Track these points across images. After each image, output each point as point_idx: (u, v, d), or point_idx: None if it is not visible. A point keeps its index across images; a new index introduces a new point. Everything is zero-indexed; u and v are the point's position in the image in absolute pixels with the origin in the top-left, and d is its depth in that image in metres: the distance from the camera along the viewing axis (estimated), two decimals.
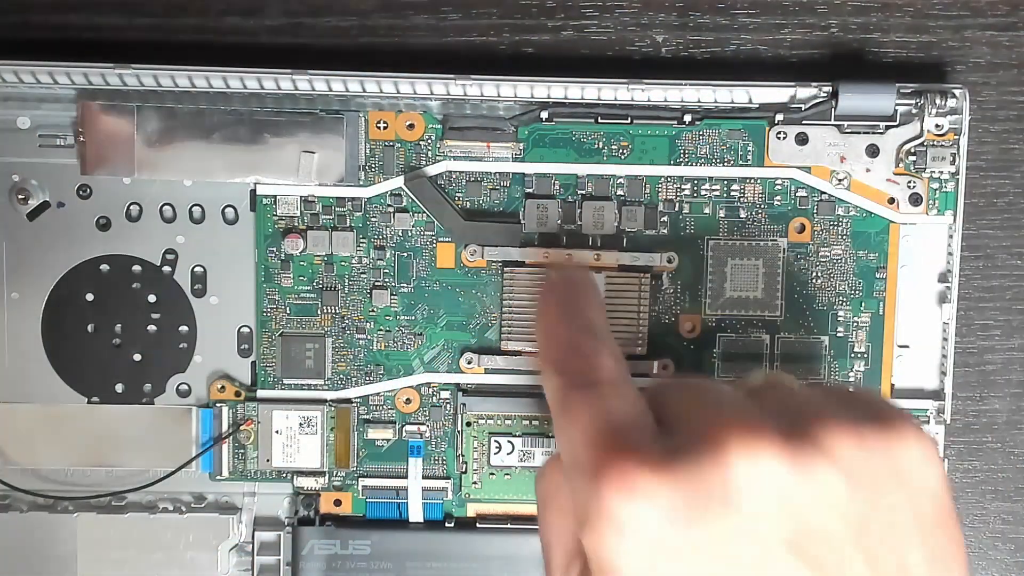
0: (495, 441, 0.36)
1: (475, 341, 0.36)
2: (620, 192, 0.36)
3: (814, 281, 0.36)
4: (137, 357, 0.36)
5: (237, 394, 0.37)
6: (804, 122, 0.35)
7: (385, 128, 0.36)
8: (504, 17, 0.37)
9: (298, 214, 0.36)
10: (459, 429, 0.36)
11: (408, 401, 0.37)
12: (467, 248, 0.36)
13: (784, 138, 0.36)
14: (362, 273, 0.36)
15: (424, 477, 0.36)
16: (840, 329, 0.36)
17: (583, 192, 0.36)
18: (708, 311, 0.36)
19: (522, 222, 0.36)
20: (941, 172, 0.36)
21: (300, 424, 0.36)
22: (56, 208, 0.36)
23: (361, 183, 0.36)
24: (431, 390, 0.37)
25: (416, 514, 0.36)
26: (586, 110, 0.35)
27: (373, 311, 0.36)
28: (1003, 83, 0.37)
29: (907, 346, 0.36)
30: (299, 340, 0.36)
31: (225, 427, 0.36)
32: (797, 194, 0.36)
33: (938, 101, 0.35)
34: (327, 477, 0.37)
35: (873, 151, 0.36)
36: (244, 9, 0.37)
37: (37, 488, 0.36)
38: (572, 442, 0.25)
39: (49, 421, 0.36)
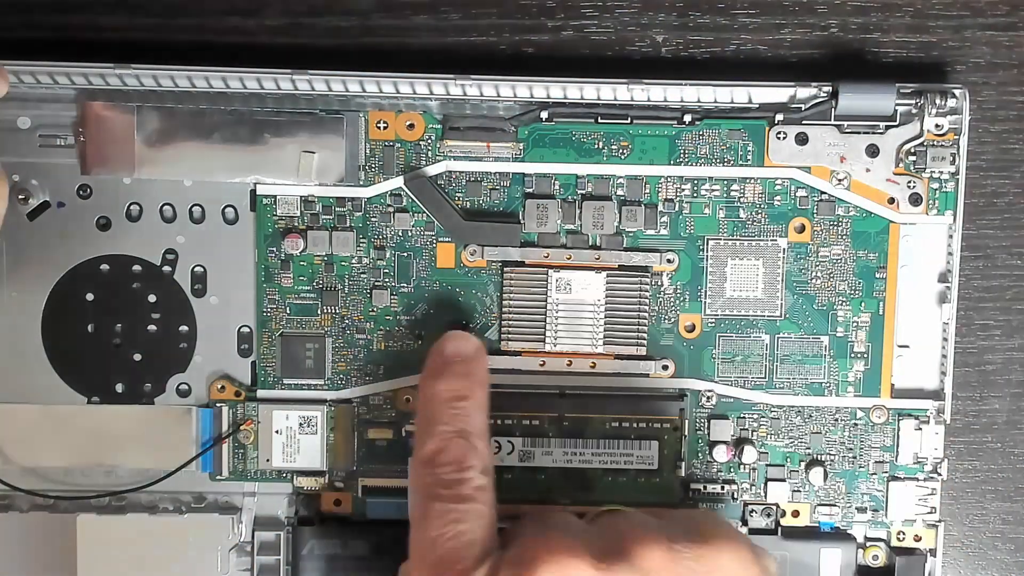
0: (495, 441, 0.36)
1: None
2: (620, 192, 0.36)
3: (814, 281, 0.36)
4: (137, 357, 0.36)
5: (237, 394, 0.37)
6: (804, 122, 0.35)
7: (385, 128, 0.36)
8: (504, 17, 0.37)
9: (298, 214, 0.36)
10: None
11: (408, 401, 0.37)
12: (467, 248, 0.36)
13: (784, 138, 0.36)
14: (362, 273, 0.36)
15: None
16: (840, 329, 0.36)
17: (583, 192, 0.36)
18: (708, 311, 0.36)
19: (522, 222, 0.36)
20: (941, 172, 0.36)
21: (300, 424, 0.36)
22: (56, 208, 0.36)
23: (361, 183, 0.36)
24: None
25: None
26: (586, 110, 0.35)
27: (373, 311, 0.36)
28: (1003, 83, 0.37)
29: (907, 346, 0.36)
30: (299, 340, 0.36)
31: (225, 427, 0.36)
32: (797, 194, 0.36)
33: (938, 101, 0.35)
34: (327, 477, 0.37)
35: (873, 151, 0.36)
36: (244, 9, 0.37)
37: (37, 488, 0.36)
38: (419, 552, 0.29)
39: (49, 421, 0.36)
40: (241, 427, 0.36)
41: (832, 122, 0.35)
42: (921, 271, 0.36)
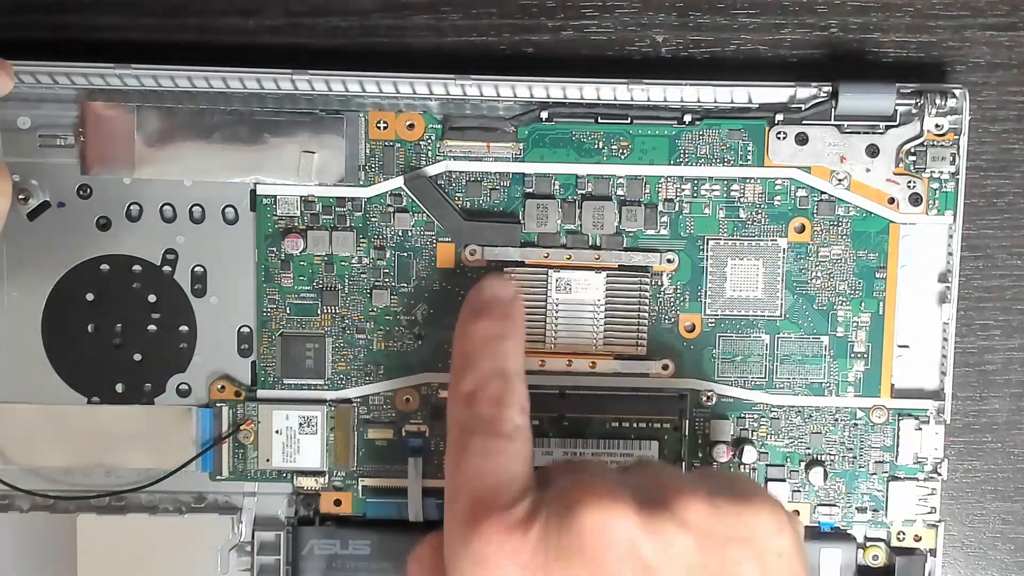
0: None
1: None
2: (620, 192, 0.36)
3: (814, 281, 0.36)
4: (137, 357, 0.36)
5: (237, 394, 0.37)
6: (804, 122, 0.35)
7: (385, 128, 0.36)
8: (504, 17, 0.37)
9: (298, 214, 0.36)
10: None
11: (408, 401, 0.37)
12: (467, 248, 0.36)
13: (784, 138, 0.36)
14: (362, 273, 0.36)
15: (424, 477, 0.36)
16: (840, 329, 0.36)
17: (583, 192, 0.36)
18: (708, 311, 0.36)
19: (522, 222, 0.36)
20: (941, 172, 0.36)
21: (300, 424, 0.36)
22: (56, 208, 0.36)
23: (361, 183, 0.36)
24: (431, 390, 0.37)
25: (416, 514, 0.36)
26: (586, 110, 0.35)
27: (373, 311, 0.36)
28: (1003, 83, 0.37)
29: (907, 346, 0.36)
30: (299, 340, 0.36)
31: (225, 427, 0.36)
32: (797, 194, 0.36)
33: (938, 101, 0.35)
34: (327, 477, 0.37)
35: (873, 151, 0.36)
36: (244, 9, 0.37)
37: (37, 488, 0.36)
38: (456, 487, 0.29)
39: (49, 421, 0.36)
40: (241, 427, 0.36)
41: (832, 122, 0.35)
42: (921, 271, 0.36)
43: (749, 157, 0.36)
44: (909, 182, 0.36)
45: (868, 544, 0.37)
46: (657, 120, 0.36)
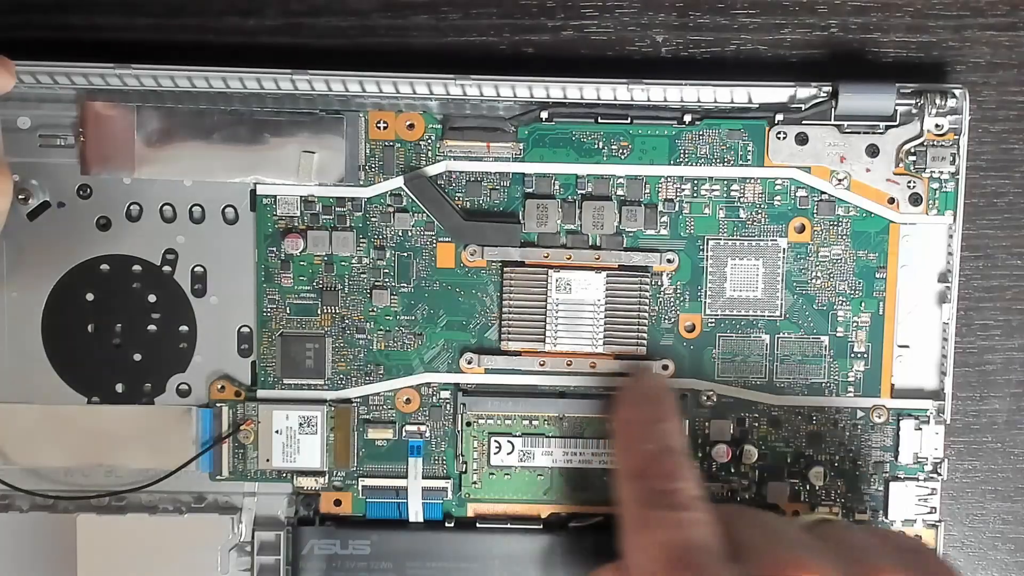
0: (495, 441, 0.36)
1: (475, 341, 0.36)
2: (620, 192, 0.36)
3: (814, 281, 0.36)
4: (137, 357, 0.36)
5: (237, 394, 0.37)
6: (804, 122, 0.35)
7: (385, 128, 0.36)
8: (504, 17, 0.37)
9: (298, 214, 0.36)
10: (459, 429, 0.36)
11: (408, 401, 0.37)
12: (467, 248, 0.36)
13: (784, 138, 0.36)
14: (362, 273, 0.36)
15: (424, 477, 0.36)
16: (840, 329, 0.36)
17: (583, 192, 0.36)
18: (708, 311, 0.36)
19: (522, 222, 0.36)
20: (941, 172, 0.36)
21: (300, 424, 0.36)
22: (56, 208, 0.36)
23: (361, 183, 0.36)
24: (431, 390, 0.37)
25: (416, 514, 0.36)
26: (586, 110, 0.35)
27: (373, 311, 0.36)
28: (1003, 83, 0.37)
29: (907, 346, 0.36)
30: (299, 340, 0.36)
31: (225, 427, 0.36)
32: (797, 194, 0.36)
33: (938, 101, 0.35)
34: (327, 477, 0.37)
35: (873, 151, 0.36)
36: (244, 9, 0.37)
37: (37, 488, 0.36)
38: (647, 558, 0.27)
39: (49, 421, 0.36)
40: (241, 427, 0.36)
41: (832, 122, 0.35)
42: (921, 271, 0.36)
43: (749, 157, 0.36)
44: (909, 182, 0.36)
45: None
46: (657, 120, 0.36)
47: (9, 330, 0.36)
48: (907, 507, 0.36)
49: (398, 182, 0.36)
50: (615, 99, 0.35)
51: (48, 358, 0.36)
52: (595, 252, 0.36)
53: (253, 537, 0.36)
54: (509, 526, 0.36)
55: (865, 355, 0.36)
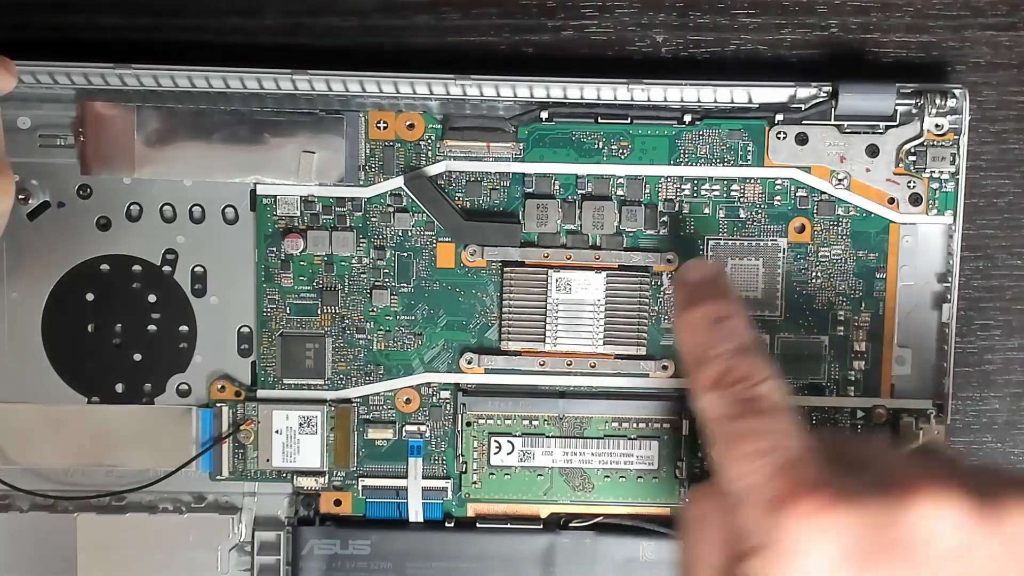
0: (495, 441, 0.36)
1: (475, 341, 0.36)
2: (620, 192, 0.36)
3: (814, 281, 0.36)
4: (137, 357, 0.36)
5: (237, 394, 0.37)
6: (804, 122, 0.35)
7: (385, 128, 0.36)
8: (504, 17, 0.37)
9: (298, 214, 0.36)
10: (459, 429, 0.36)
11: (408, 401, 0.37)
12: (467, 248, 0.36)
13: (784, 138, 0.36)
14: (362, 273, 0.36)
15: (424, 477, 0.36)
16: (840, 329, 0.36)
17: (583, 192, 0.36)
18: None
19: (522, 222, 0.36)
20: (941, 172, 0.36)
21: (300, 424, 0.36)
22: (56, 208, 0.36)
23: (361, 183, 0.36)
24: (431, 390, 0.37)
25: (416, 514, 0.36)
26: (586, 110, 0.35)
27: (373, 311, 0.36)
28: (1003, 83, 0.37)
29: (907, 346, 0.36)
30: (299, 340, 0.36)
31: (225, 427, 0.36)
32: (797, 194, 0.36)
33: (938, 101, 0.35)
34: (327, 477, 0.37)
35: (873, 151, 0.36)
36: (244, 9, 0.37)
37: (37, 488, 0.36)
38: (746, 471, 0.25)
39: (49, 421, 0.36)
40: (241, 427, 0.36)
41: (832, 122, 0.35)
42: (921, 271, 0.36)
43: (749, 157, 0.36)
44: (909, 182, 0.36)
45: None
46: (657, 120, 0.36)
47: (9, 330, 0.36)
48: None
49: (398, 182, 0.36)
50: (615, 99, 0.35)
51: (48, 358, 0.36)
52: (595, 252, 0.36)
53: (253, 537, 0.36)
54: (509, 526, 0.36)
55: (865, 355, 0.36)
